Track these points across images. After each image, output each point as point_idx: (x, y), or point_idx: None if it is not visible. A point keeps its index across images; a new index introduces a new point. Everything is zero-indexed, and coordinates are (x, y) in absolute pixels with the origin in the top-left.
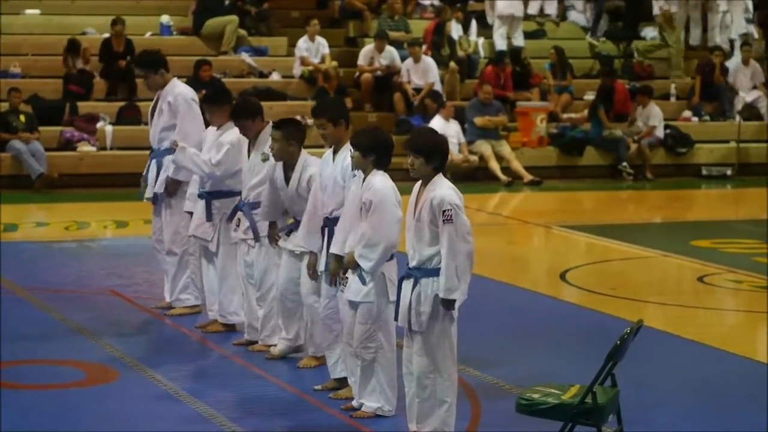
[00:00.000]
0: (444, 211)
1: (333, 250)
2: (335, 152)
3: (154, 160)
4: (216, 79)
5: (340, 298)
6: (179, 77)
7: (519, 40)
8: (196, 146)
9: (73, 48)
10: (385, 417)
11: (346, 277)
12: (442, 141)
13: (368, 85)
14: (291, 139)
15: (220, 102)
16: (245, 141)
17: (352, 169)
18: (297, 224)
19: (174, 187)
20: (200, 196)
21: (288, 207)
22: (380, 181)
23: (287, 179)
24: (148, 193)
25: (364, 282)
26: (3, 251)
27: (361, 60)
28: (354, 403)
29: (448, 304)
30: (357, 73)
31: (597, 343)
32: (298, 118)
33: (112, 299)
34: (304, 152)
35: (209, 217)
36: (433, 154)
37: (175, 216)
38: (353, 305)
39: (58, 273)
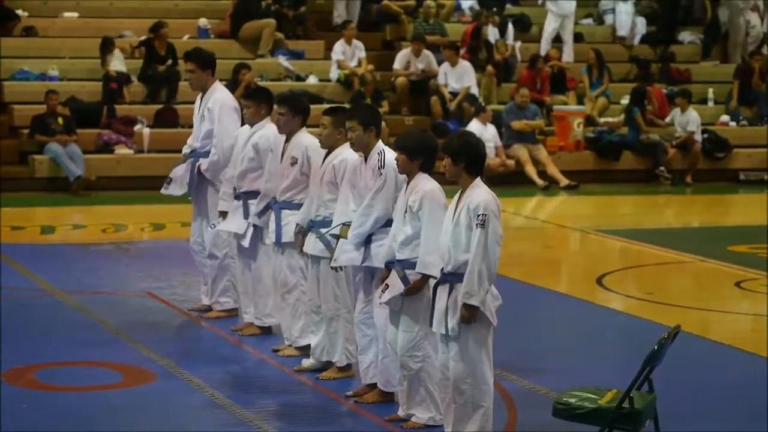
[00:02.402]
0: (478, 215)
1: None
2: (366, 159)
3: (191, 161)
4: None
5: (377, 305)
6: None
7: (568, 43)
8: (229, 150)
9: (106, 45)
10: (435, 426)
11: (387, 285)
12: (469, 143)
13: (404, 89)
14: (341, 125)
15: (258, 100)
16: (280, 143)
17: (379, 168)
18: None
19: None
20: (237, 197)
21: (313, 193)
22: (428, 183)
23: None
24: (173, 190)
25: (407, 285)
26: (41, 253)
27: (397, 64)
28: (400, 413)
29: (469, 310)
30: (393, 77)
31: (634, 347)
32: None
33: (149, 301)
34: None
35: (246, 215)
36: (458, 155)
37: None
38: (398, 313)
39: (95, 275)
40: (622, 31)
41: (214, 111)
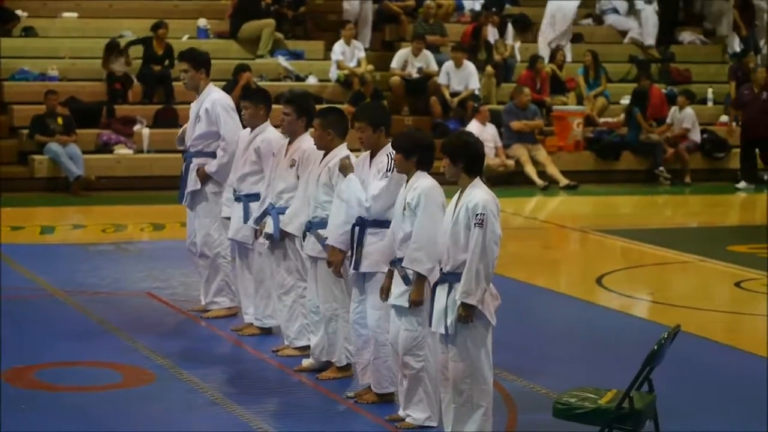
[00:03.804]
0: (477, 215)
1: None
2: (372, 156)
3: (184, 163)
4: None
5: (370, 306)
6: (216, 81)
7: (566, 45)
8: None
9: (112, 48)
10: (431, 427)
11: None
12: (467, 142)
13: (399, 89)
14: (329, 127)
15: (256, 100)
16: (282, 147)
17: (387, 170)
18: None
19: (204, 177)
20: (237, 199)
21: (302, 194)
22: (425, 180)
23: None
24: (184, 198)
25: (408, 283)
26: (41, 253)
27: (395, 63)
28: (401, 412)
29: (467, 309)
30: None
31: (634, 348)
32: None
33: (149, 301)
34: (343, 145)
35: (246, 219)
36: (457, 155)
37: (206, 219)
38: (400, 311)
39: (95, 275)
40: (650, 39)
41: (214, 113)
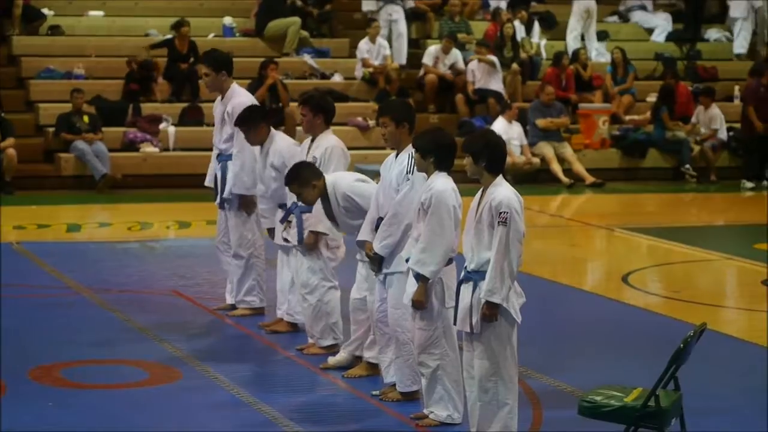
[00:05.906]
0: (500, 213)
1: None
2: (396, 155)
3: (219, 165)
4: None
5: (390, 306)
6: (241, 79)
7: (592, 41)
8: (253, 156)
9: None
10: (453, 424)
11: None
12: (490, 141)
13: (432, 86)
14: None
15: (253, 123)
16: (294, 152)
17: (407, 172)
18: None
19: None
20: (281, 206)
21: None
22: (440, 182)
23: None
24: (218, 199)
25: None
26: (67, 251)
27: (426, 59)
28: (425, 410)
29: (491, 308)
30: (422, 73)
31: (659, 346)
32: (359, 119)
33: (175, 300)
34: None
35: (284, 219)
36: (479, 153)
37: (240, 219)
38: (414, 312)
39: (121, 273)
40: (741, 48)
41: (235, 116)
